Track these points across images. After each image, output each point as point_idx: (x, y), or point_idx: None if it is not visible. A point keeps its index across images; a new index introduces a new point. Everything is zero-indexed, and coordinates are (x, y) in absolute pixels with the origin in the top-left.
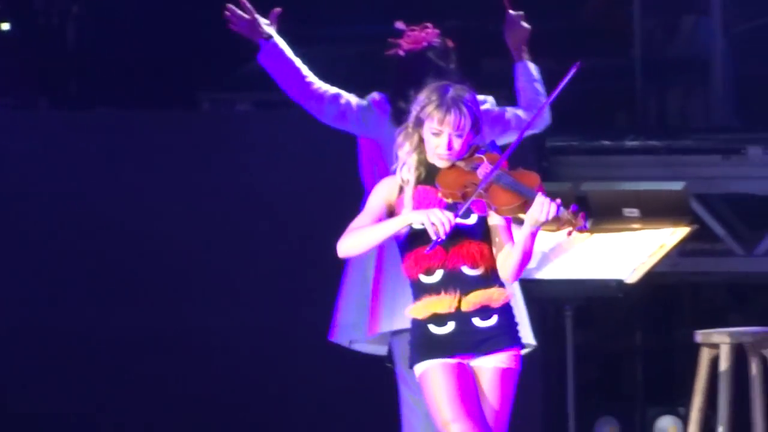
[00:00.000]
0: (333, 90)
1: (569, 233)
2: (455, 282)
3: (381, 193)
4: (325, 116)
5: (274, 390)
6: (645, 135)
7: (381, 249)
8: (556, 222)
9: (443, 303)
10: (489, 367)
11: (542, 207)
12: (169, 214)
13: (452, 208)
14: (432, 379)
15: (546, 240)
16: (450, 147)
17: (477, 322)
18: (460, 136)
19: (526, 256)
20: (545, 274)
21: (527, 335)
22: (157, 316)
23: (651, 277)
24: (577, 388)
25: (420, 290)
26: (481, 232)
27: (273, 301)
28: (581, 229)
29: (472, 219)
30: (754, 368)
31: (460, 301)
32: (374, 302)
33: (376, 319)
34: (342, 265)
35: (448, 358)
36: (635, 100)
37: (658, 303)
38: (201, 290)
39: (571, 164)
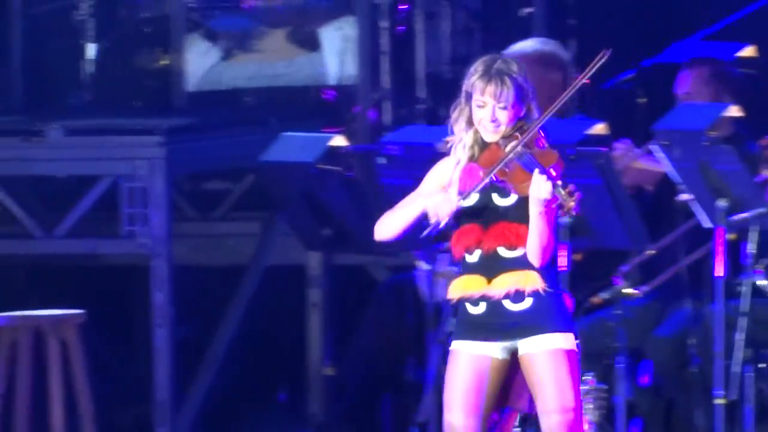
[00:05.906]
0: None
1: (562, 213)
2: (491, 263)
3: (434, 177)
4: None
5: None
6: None
7: None
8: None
9: (473, 283)
10: (531, 352)
11: (538, 184)
12: None
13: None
14: (452, 361)
15: None
16: (494, 119)
17: (508, 304)
18: (504, 108)
19: (542, 237)
20: None
21: None
22: None
23: None
24: None
25: (463, 269)
26: (520, 213)
27: None
28: (573, 211)
29: (511, 199)
30: (53, 351)
31: (490, 282)
32: None
33: None
34: None
35: (479, 342)
36: None
37: None
38: None
39: None
